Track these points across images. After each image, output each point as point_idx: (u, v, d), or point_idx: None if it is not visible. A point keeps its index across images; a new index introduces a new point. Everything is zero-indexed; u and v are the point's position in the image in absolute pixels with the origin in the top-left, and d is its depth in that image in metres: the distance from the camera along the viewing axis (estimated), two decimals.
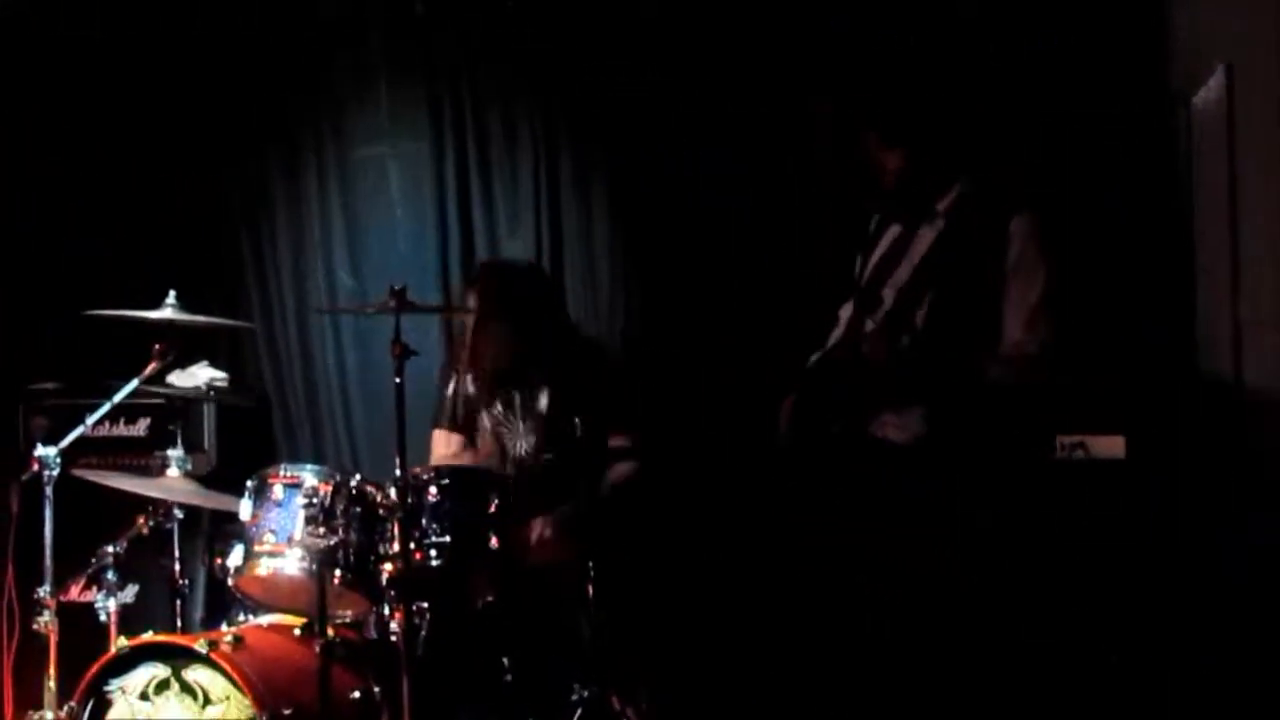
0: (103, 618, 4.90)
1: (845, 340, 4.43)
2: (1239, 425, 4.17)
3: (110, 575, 4.91)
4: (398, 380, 4.44)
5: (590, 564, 4.77)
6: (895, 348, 4.21)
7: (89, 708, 4.59)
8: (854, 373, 4.28)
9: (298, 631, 4.83)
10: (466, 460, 5.30)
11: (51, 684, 4.82)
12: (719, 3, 5.65)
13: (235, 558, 4.72)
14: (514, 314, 5.23)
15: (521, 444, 5.20)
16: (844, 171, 4.72)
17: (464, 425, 5.38)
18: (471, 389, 5.28)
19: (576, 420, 5.07)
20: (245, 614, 5.04)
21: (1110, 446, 4.06)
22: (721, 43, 5.59)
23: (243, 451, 5.90)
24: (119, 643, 4.71)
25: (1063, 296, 4.13)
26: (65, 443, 4.85)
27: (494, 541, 4.63)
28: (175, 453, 5.10)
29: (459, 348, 5.40)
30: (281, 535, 4.62)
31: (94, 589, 4.95)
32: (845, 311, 4.60)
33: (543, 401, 5.24)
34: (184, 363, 5.51)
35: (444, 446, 5.35)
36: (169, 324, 4.97)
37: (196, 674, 4.53)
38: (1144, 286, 5.00)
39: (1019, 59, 5.28)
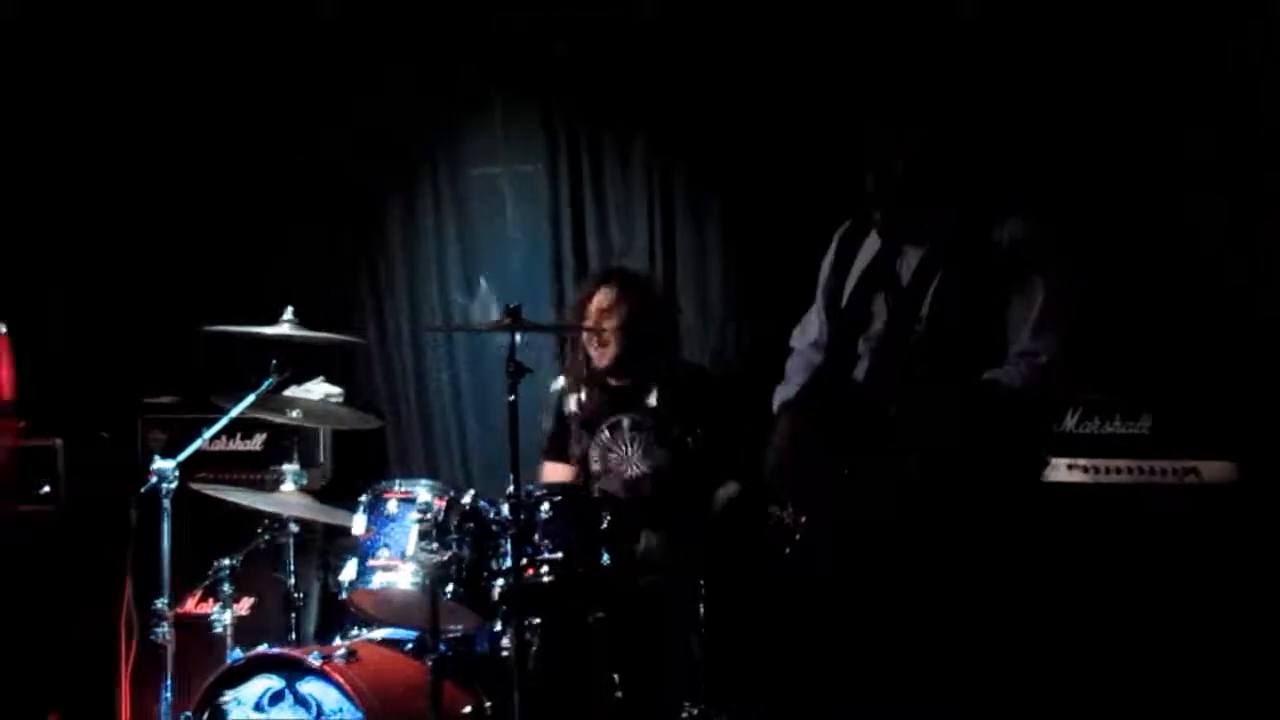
0: (218, 630, 4.89)
1: (838, 355, 4.29)
2: None
3: (226, 588, 4.91)
4: (511, 398, 4.41)
5: (701, 583, 4.70)
6: (903, 372, 4.10)
7: (204, 718, 4.55)
8: (858, 410, 4.17)
9: (409, 646, 4.80)
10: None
11: (168, 695, 4.79)
12: (824, 37, 5.63)
13: (348, 572, 4.68)
14: (629, 304, 5.20)
15: (630, 467, 5.15)
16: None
17: (571, 453, 5.36)
18: (580, 409, 5.25)
19: (689, 440, 5.01)
20: (358, 628, 5.03)
21: (1222, 472, 4.15)
22: (830, 74, 5.59)
23: (357, 467, 5.90)
24: (234, 655, 4.71)
25: (1068, 309, 4.04)
26: (182, 457, 4.82)
27: (605, 559, 4.61)
28: (291, 467, 5.11)
29: (572, 362, 5.33)
30: (395, 550, 4.58)
31: (210, 601, 4.97)
32: (804, 335, 4.51)
33: (651, 425, 5.18)
34: (301, 379, 5.46)
35: (561, 473, 5.32)
36: (286, 340, 4.95)
37: (310, 686, 4.49)
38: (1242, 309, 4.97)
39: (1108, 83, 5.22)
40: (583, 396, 5.25)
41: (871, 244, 4.32)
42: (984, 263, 4.10)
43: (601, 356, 5.20)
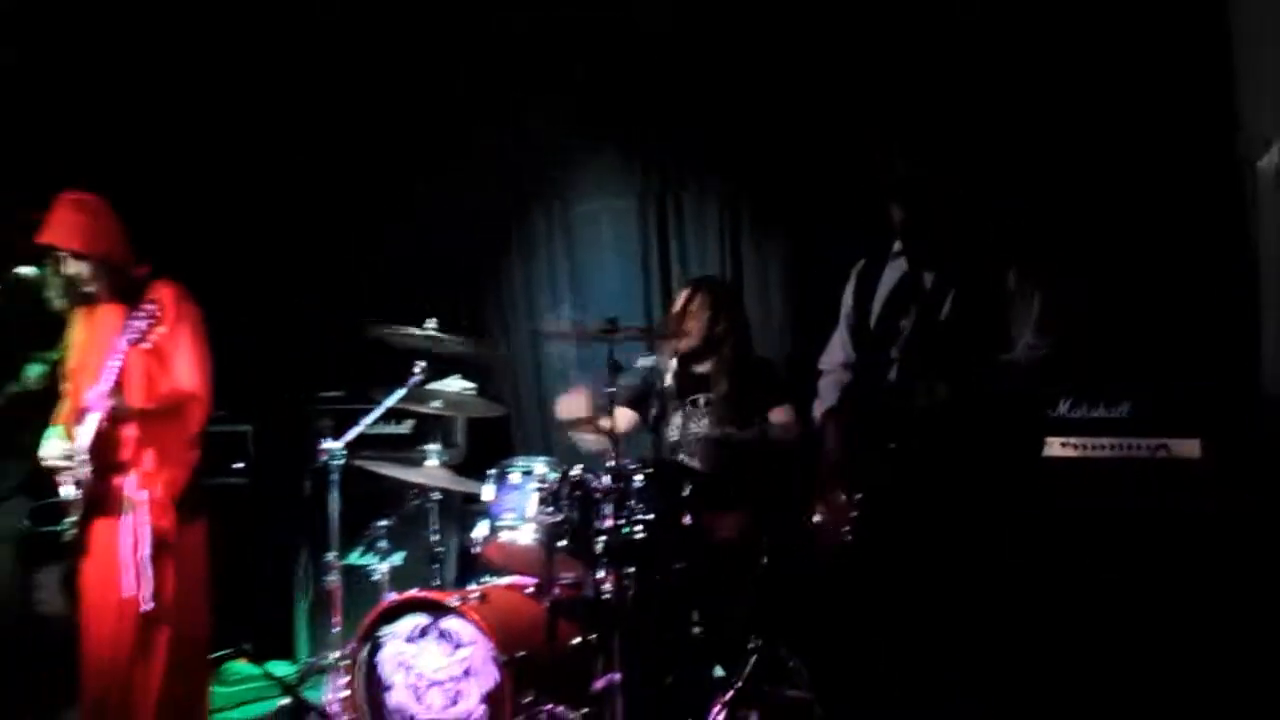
0: (376, 578, 5.27)
1: (871, 366, 4.43)
2: None
3: (383, 544, 5.30)
4: (611, 391, 4.75)
5: (764, 539, 4.98)
6: (926, 368, 4.21)
7: (366, 648, 4.91)
8: (894, 403, 4.28)
9: (530, 590, 5.09)
10: (637, 435, 5.50)
11: (336, 629, 5.18)
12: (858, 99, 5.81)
13: (480, 531, 5.04)
14: (713, 306, 5.44)
15: (702, 436, 5.39)
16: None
17: (644, 408, 5.51)
18: (669, 381, 5.34)
19: (756, 419, 5.25)
20: (488, 575, 5.34)
21: (1187, 447, 4.31)
22: (865, 123, 5.68)
23: (487, 446, 6.20)
24: (389, 597, 5.04)
25: (1060, 313, 4.18)
26: (348, 438, 5.17)
27: (686, 519, 4.84)
28: (434, 447, 5.41)
29: (668, 349, 5.42)
30: (518, 513, 4.93)
31: (370, 554, 5.31)
32: (832, 355, 4.62)
33: (726, 403, 5.40)
34: (441, 376, 5.60)
35: (624, 421, 5.44)
36: (430, 343, 5.22)
37: (450, 623, 4.81)
38: (1213, 317, 5.04)
39: (1102, 117, 5.38)
40: (670, 378, 5.34)
41: (890, 275, 4.48)
42: (989, 279, 4.26)
43: (685, 345, 5.42)
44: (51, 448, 4.71)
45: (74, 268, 4.75)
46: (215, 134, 6.91)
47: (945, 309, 4.29)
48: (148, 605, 4.62)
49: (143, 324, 4.48)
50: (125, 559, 4.64)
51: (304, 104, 6.92)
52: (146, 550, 4.64)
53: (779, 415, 5.34)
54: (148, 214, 4.89)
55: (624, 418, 5.48)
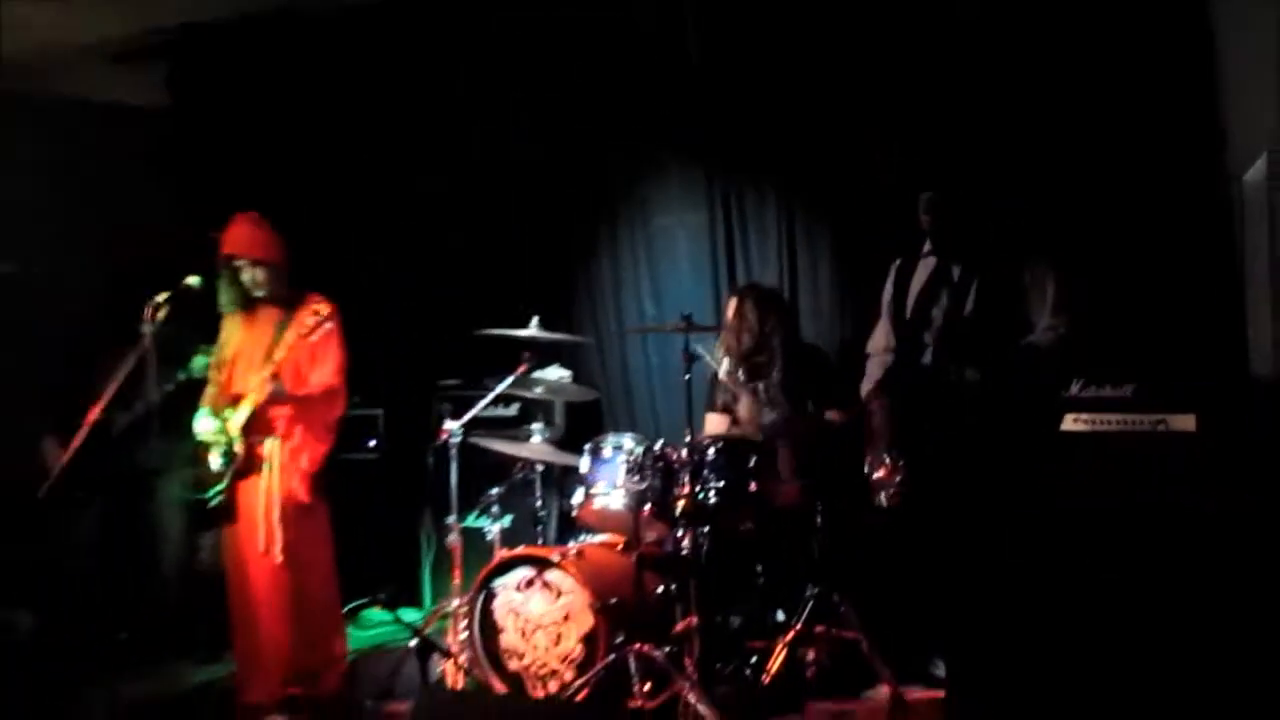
0: (489, 537, 5.47)
1: (908, 350, 4.64)
2: None
3: (495, 509, 5.50)
4: (686, 377, 4.95)
5: (818, 504, 5.16)
6: (955, 352, 4.43)
7: (482, 597, 5.12)
8: (929, 382, 4.52)
9: (620, 548, 5.27)
10: (731, 431, 5.64)
11: (456, 582, 5.40)
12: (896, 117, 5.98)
13: (577, 497, 5.26)
14: (759, 308, 5.60)
15: (762, 418, 5.54)
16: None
17: (726, 408, 5.70)
18: (729, 378, 5.51)
19: (809, 401, 5.41)
20: (584, 535, 5.53)
21: (1184, 422, 4.29)
22: (907, 141, 5.91)
23: (582, 425, 6.40)
24: (500, 554, 5.22)
25: (1072, 298, 4.40)
26: (465, 419, 5.41)
27: (752, 487, 5.05)
28: (537, 426, 5.66)
29: (728, 345, 5.61)
30: (609, 482, 5.15)
31: (484, 518, 5.50)
32: (876, 342, 4.79)
33: (780, 388, 5.54)
34: (542, 365, 5.93)
35: (714, 423, 5.72)
36: (533, 339, 5.47)
37: (552, 575, 5.01)
38: (1206, 313, 5.22)
39: (1101, 135, 5.48)
40: (727, 369, 5.53)
41: (922, 271, 4.76)
42: (1006, 270, 4.53)
43: (742, 342, 5.59)
44: (203, 424, 5.05)
45: (249, 274, 5.14)
46: (352, 162, 7.18)
47: (970, 300, 4.55)
48: (278, 560, 4.96)
49: (312, 322, 4.85)
50: (261, 520, 5.00)
51: (426, 131, 7.12)
52: (276, 514, 4.97)
53: (834, 415, 5.42)
54: (300, 235, 5.22)
55: (716, 421, 5.68)
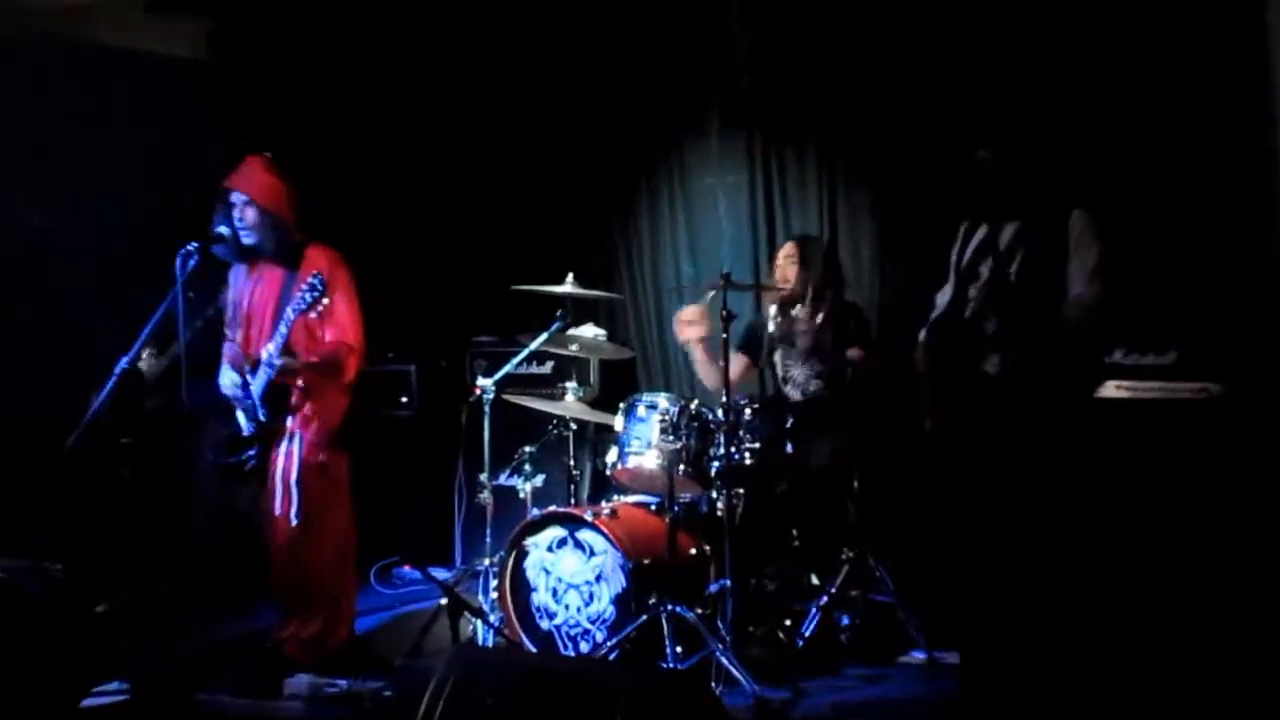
0: (522, 495, 5.50)
1: (956, 303, 4.62)
2: None
3: (528, 467, 5.52)
4: (724, 336, 4.91)
5: (854, 466, 5.20)
6: (997, 309, 4.43)
7: (513, 556, 5.14)
8: (967, 334, 4.50)
9: (653, 507, 5.27)
10: (752, 376, 5.73)
11: (488, 540, 5.40)
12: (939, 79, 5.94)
13: (611, 456, 5.27)
14: (814, 257, 5.58)
15: (800, 372, 5.54)
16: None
17: (755, 353, 5.66)
18: (771, 327, 5.51)
19: (848, 354, 5.37)
20: (617, 494, 5.56)
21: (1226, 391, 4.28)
22: (946, 101, 5.88)
23: (617, 383, 6.43)
24: (533, 513, 5.26)
25: (1111, 267, 4.38)
26: (498, 376, 5.44)
27: (789, 447, 5.10)
28: (571, 384, 5.68)
29: (773, 296, 5.58)
30: (643, 441, 5.14)
31: (516, 476, 5.53)
32: (942, 296, 4.78)
33: (817, 343, 5.49)
34: (578, 323, 5.98)
35: (738, 363, 5.58)
36: (568, 296, 5.51)
37: (585, 534, 5.02)
38: (1248, 287, 5.21)
39: (1151, 106, 5.48)
40: (773, 325, 5.54)
41: (981, 232, 4.69)
42: (1053, 236, 4.48)
43: (787, 293, 5.51)
44: (228, 380, 5.05)
45: (239, 212, 5.05)
46: (391, 115, 7.17)
47: (1016, 262, 4.51)
48: (295, 521, 4.99)
49: (309, 296, 4.75)
50: (277, 483, 5.04)
51: (466, 86, 7.14)
52: (294, 477, 4.99)
53: (854, 353, 5.45)
54: (336, 189, 5.25)
55: (737, 362, 5.57)
